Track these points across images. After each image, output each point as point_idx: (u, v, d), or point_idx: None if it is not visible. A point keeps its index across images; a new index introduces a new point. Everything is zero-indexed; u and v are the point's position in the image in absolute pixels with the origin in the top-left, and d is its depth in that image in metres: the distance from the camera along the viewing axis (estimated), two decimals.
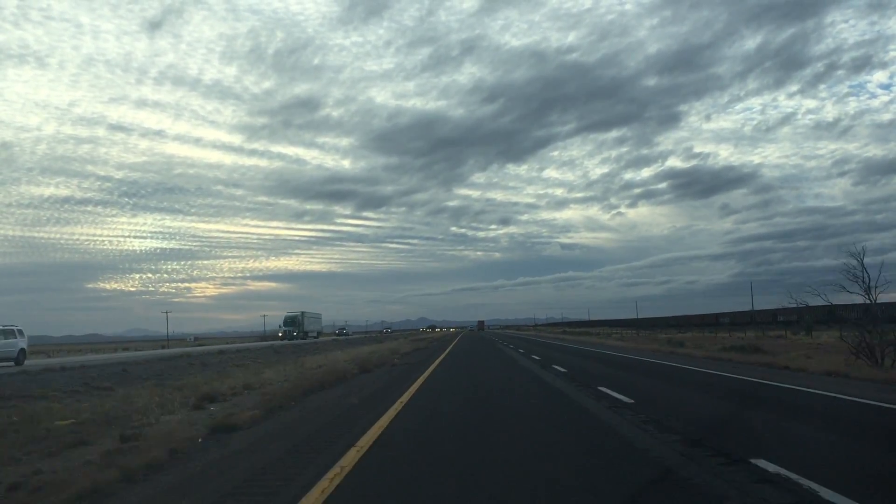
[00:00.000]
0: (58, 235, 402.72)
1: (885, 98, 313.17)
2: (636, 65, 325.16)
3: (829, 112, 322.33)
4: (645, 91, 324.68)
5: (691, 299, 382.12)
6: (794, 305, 20.91)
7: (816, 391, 12.74)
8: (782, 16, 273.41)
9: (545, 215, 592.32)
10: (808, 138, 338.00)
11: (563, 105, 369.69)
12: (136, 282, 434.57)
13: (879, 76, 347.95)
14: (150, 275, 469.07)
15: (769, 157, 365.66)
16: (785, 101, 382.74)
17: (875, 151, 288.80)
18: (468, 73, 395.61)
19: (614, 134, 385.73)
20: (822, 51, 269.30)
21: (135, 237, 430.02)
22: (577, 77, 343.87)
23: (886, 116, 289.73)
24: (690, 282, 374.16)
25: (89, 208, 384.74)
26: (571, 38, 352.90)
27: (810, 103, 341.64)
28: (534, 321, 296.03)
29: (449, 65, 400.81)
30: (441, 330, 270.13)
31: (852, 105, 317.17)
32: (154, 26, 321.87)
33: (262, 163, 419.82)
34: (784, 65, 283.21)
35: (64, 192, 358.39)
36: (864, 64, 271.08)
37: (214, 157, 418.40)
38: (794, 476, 5.69)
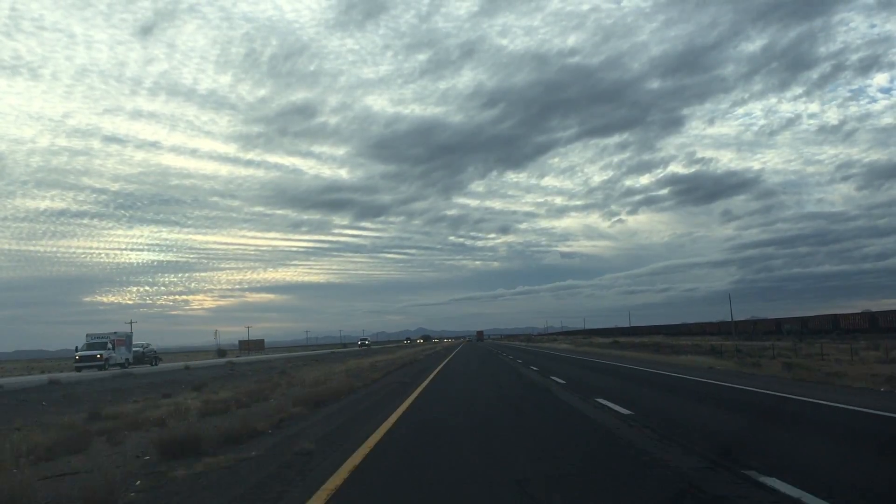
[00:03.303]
0: (54, 249, 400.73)
1: (886, 102, 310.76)
2: (639, 67, 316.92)
3: (832, 116, 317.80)
4: (648, 94, 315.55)
5: (694, 306, 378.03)
6: None
7: None
8: (789, 14, 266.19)
9: (544, 224, 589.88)
10: (810, 143, 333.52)
11: (565, 109, 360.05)
12: (134, 295, 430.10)
13: (880, 79, 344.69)
14: (147, 287, 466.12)
15: (769, 162, 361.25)
16: (787, 105, 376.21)
17: (877, 156, 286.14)
18: (467, 77, 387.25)
19: (616, 139, 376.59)
20: (829, 51, 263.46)
21: (131, 250, 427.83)
22: (579, 81, 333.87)
23: (887, 120, 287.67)
24: (690, 289, 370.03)
25: (85, 221, 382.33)
26: (573, 40, 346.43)
27: (813, 107, 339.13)
28: (538, 330, 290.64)
29: (448, 69, 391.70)
30: (425, 342, 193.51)
31: (853, 109, 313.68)
32: (147, 35, 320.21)
33: (259, 173, 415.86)
34: (790, 66, 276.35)
35: (59, 204, 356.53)
36: (871, 65, 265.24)
37: (210, 167, 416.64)
38: None
